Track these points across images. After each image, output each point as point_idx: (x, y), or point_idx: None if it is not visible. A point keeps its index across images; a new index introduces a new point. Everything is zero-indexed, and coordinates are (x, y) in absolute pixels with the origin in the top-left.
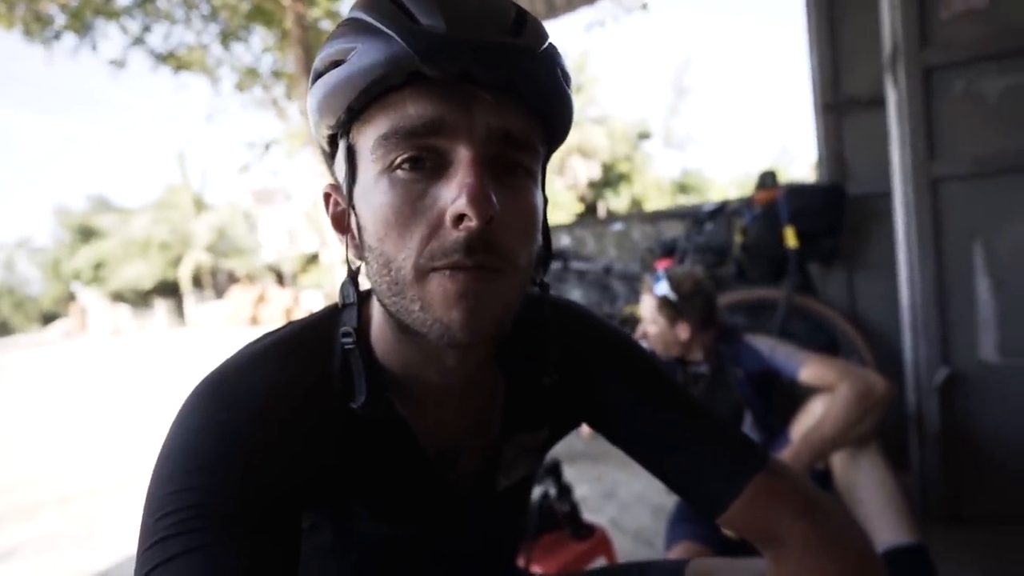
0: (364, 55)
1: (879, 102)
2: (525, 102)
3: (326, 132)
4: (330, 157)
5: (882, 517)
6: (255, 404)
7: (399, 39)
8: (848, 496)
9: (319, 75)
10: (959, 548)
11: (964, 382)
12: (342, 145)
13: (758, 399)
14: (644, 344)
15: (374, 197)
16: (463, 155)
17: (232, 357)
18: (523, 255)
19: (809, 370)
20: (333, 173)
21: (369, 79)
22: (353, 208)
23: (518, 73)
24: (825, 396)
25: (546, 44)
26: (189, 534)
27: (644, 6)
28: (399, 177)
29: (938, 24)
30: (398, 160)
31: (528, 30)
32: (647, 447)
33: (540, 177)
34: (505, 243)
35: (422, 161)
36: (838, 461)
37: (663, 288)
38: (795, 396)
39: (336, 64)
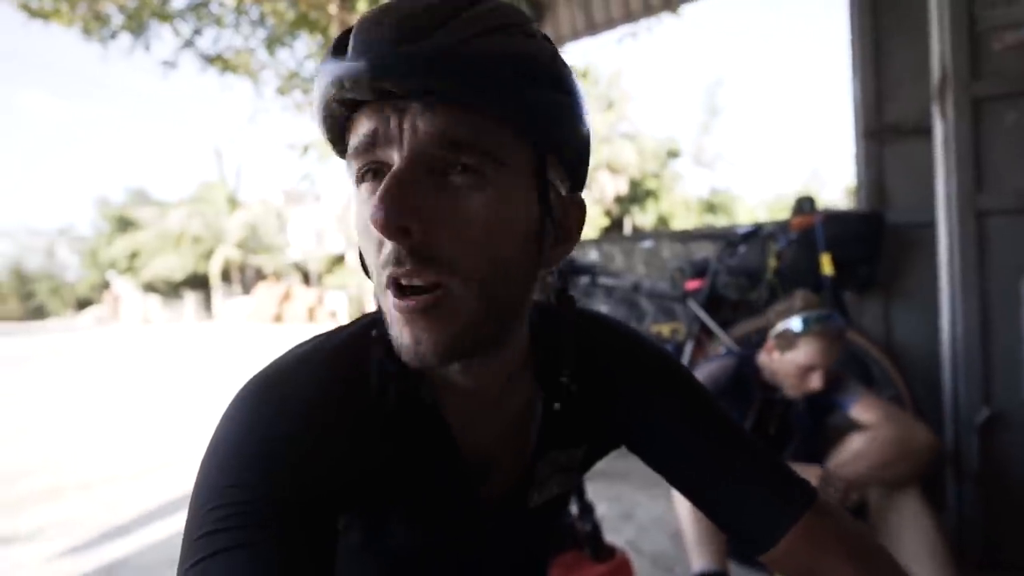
0: (317, 91)
1: (923, 130)
2: (468, 103)
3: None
4: None
5: (921, 566)
6: (302, 406)
7: (326, 71)
8: (885, 539)
9: None
10: None
11: (1006, 423)
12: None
13: (810, 426)
14: (814, 386)
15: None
16: (395, 165)
17: (281, 358)
18: (476, 265)
19: (861, 407)
20: None
21: (322, 112)
22: None
23: (432, 76)
24: (864, 434)
25: (474, 37)
26: (234, 530)
27: (676, 11)
28: (364, 192)
29: (989, 54)
30: (361, 177)
31: (451, 26)
32: (690, 476)
33: (533, 179)
34: (445, 253)
35: (377, 175)
36: (875, 500)
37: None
38: (842, 430)
39: None
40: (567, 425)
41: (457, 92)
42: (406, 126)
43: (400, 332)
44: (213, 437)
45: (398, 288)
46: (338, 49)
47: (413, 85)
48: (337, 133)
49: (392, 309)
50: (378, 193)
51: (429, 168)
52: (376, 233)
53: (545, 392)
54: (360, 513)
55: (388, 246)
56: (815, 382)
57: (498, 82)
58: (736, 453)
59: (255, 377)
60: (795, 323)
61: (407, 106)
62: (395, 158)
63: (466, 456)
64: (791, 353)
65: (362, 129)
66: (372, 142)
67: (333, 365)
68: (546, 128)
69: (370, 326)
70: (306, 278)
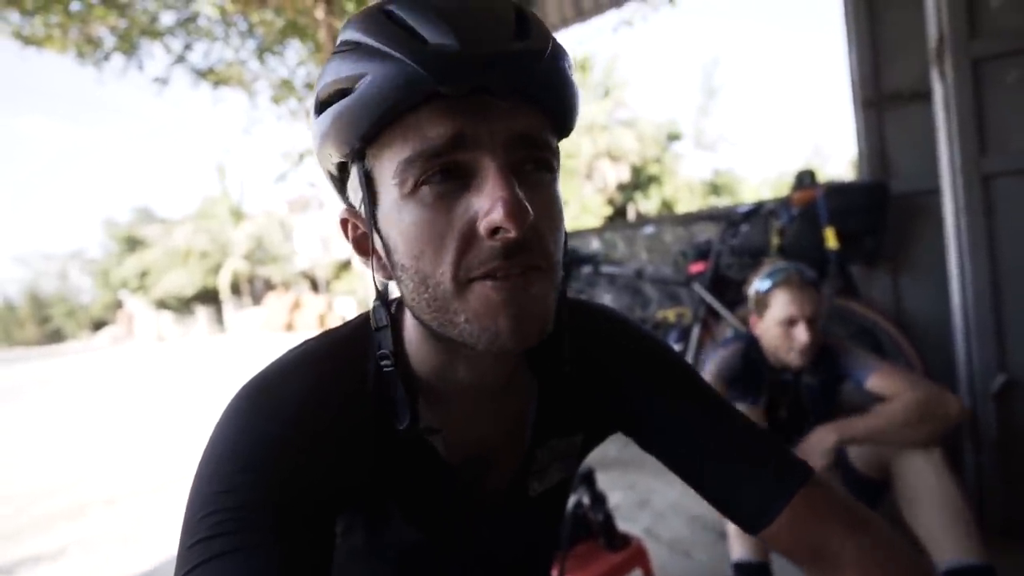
0: (376, 82)
1: (923, 96)
2: (539, 104)
3: (336, 159)
4: (339, 182)
5: (946, 532)
6: (293, 412)
7: (412, 62)
8: (908, 506)
9: (325, 105)
10: (1016, 564)
11: (1023, 389)
12: (355, 171)
13: (823, 404)
14: (801, 341)
15: (404, 217)
16: (488, 165)
17: (272, 364)
18: (557, 251)
19: (879, 378)
20: (345, 197)
21: (385, 106)
22: (377, 230)
23: (532, 78)
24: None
25: (551, 43)
26: (229, 535)
27: (671, 1)
28: (427, 194)
29: (987, 13)
30: (423, 178)
31: (534, 32)
32: (684, 458)
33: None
34: (539, 242)
35: (447, 174)
36: (898, 468)
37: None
38: (859, 407)
39: (344, 93)
40: (563, 413)
41: (544, 93)
42: (497, 127)
43: (495, 319)
44: (207, 445)
45: (494, 279)
46: (416, 36)
47: (517, 84)
48: (379, 128)
49: (489, 297)
50: (506, 194)
51: (514, 165)
52: (463, 232)
53: (540, 381)
54: (360, 515)
55: (490, 243)
56: (802, 335)
57: (565, 84)
58: (728, 433)
59: (246, 385)
60: (761, 283)
61: (492, 106)
62: (484, 159)
63: (461, 454)
64: (769, 313)
65: (437, 129)
66: (456, 145)
67: (324, 370)
68: (572, 126)
69: (363, 330)
70: (315, 286)
